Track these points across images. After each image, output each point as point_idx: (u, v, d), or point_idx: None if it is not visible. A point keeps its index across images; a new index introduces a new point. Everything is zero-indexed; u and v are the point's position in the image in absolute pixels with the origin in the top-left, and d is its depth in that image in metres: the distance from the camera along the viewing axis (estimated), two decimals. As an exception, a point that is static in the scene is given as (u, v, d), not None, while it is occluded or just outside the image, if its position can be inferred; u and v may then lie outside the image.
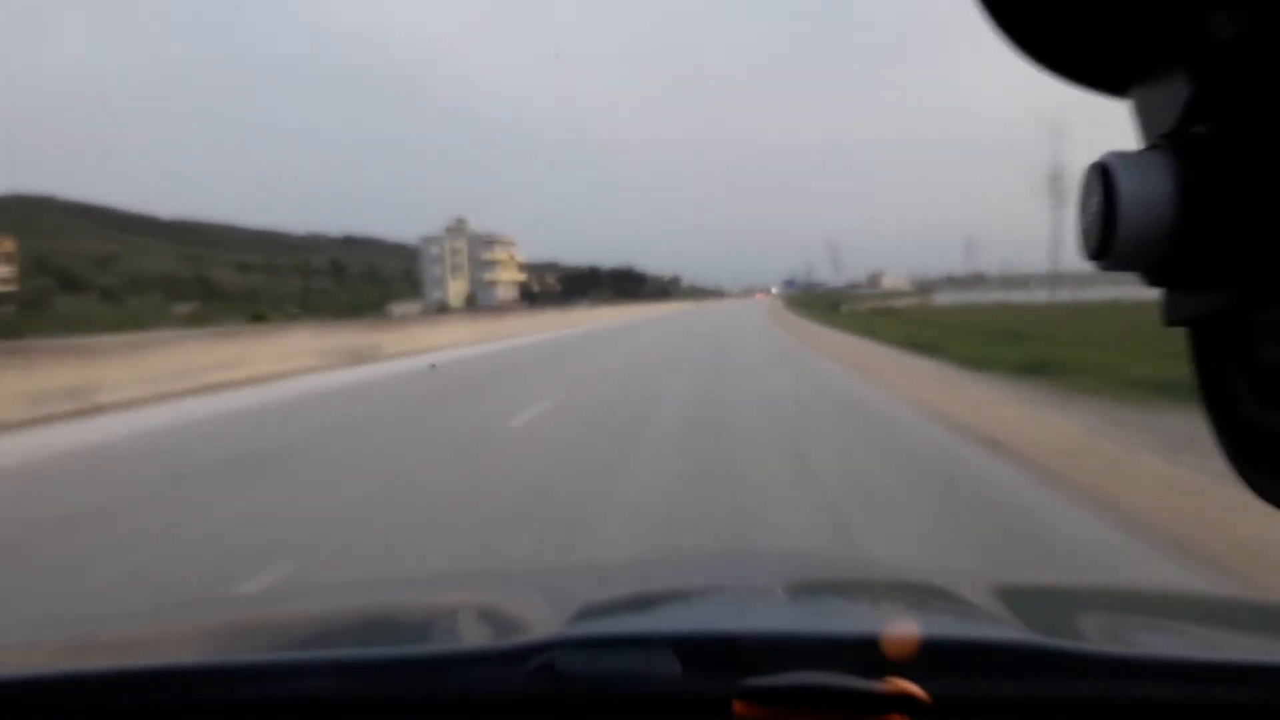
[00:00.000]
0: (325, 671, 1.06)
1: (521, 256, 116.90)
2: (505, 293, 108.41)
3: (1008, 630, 1.13)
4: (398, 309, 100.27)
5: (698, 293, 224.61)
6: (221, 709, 1.03)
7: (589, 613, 1.18)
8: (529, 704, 0.98)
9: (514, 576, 2.33)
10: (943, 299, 76.91)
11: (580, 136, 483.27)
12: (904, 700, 0.84)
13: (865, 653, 0.94)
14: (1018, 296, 74.22)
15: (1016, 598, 1.45)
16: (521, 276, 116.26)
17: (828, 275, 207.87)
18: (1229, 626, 1.50)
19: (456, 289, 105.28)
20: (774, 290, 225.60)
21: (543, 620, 1.19)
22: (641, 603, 1.39)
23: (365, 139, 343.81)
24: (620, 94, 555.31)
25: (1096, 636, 1.27)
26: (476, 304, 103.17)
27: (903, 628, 0.99)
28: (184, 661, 1.22)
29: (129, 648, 1.42)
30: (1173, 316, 0.36)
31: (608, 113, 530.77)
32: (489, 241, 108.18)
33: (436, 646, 1.26)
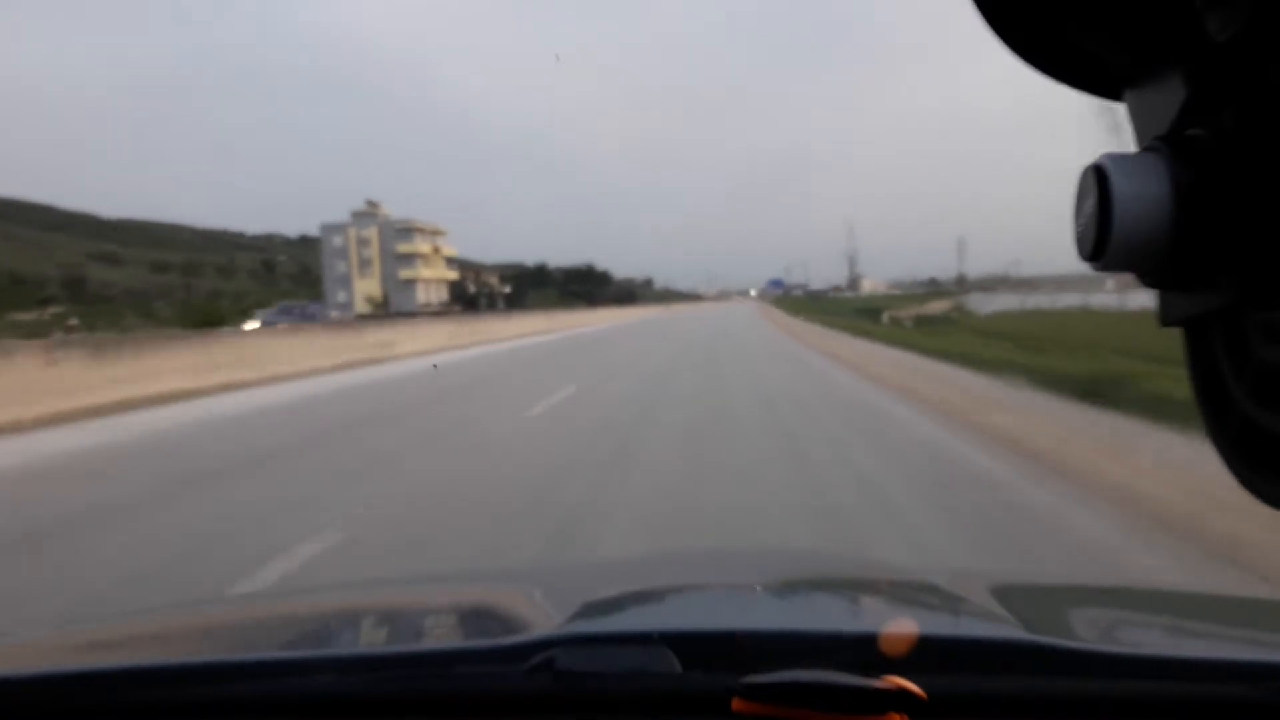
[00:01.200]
0: (327, 669, 1.07)
1: (451, 249, 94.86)
2: (431, 294, 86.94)
3: (1003, 628, 1.13)
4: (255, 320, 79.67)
5: (672, 296, 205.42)
6: (223, 706, 1.03)
7: (588, 610, 1.19)
8: (529, 701, 0.98)
9: (514, 575, 2.34)
10: (996, 305, 56.12)
11: (554, 139, 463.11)
12: (901, 697, 0.85)
13: (863, 650, 0.94)
14: (1105, 300, 54.33)
15: (1013, 596, 1.44)
16: (452, 274, 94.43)
17: (807, 279, 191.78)
18: (1224, 624, 1.49)
19: (366, 289, 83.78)
20: (753, 293, 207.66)
21: (543, 618, 1.22)
22: (640, 600, 1.39)
23: (333, 142, 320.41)
24: (597, 96, 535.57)
25: (1092, 634, 1.29)
26: (388, 307, 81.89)
27: (900, 625, 0.99)
28: (186, 659, 1.22)
29: (132, 645, 1.42)
30: (1169, 317, 0.36)
31: (585, 116, 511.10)
32: (407, 230, 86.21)
33: (437, 644, 1.26)
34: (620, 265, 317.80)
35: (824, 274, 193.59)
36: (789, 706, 0.85)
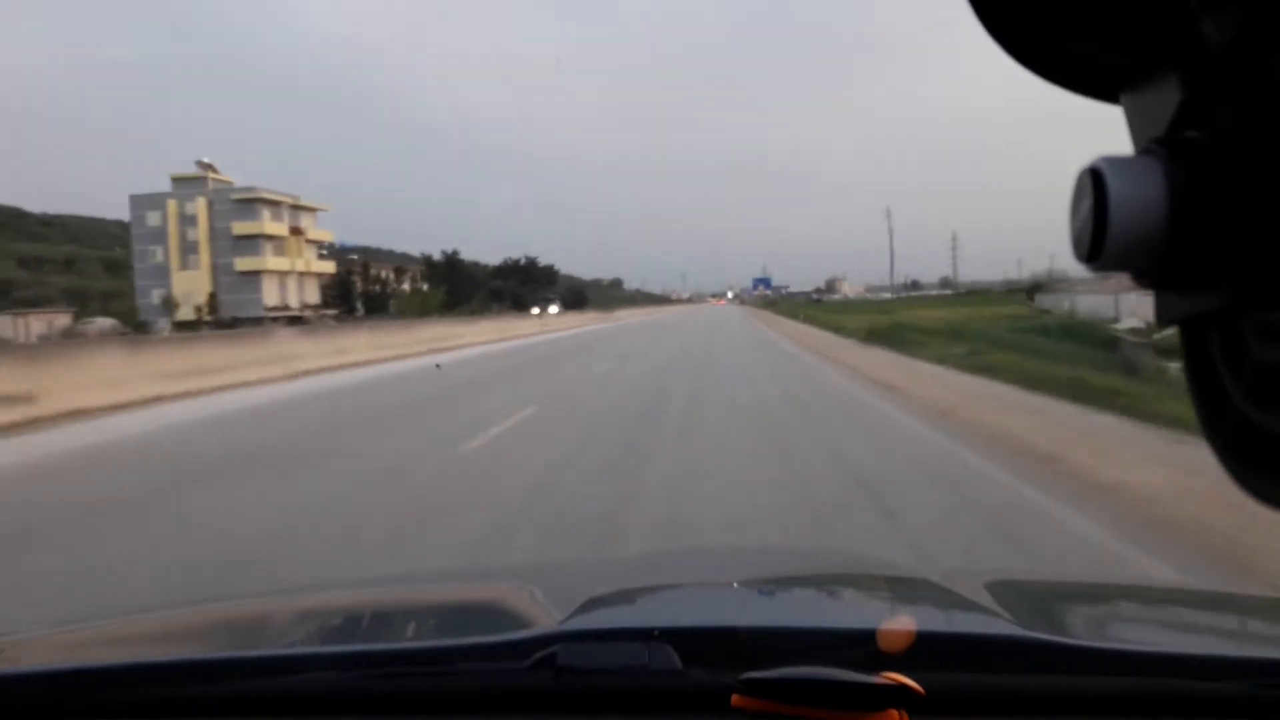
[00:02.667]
0: (330, 665, 1.07)
1: (325, 232, 68.82)
2: (290, 292, 61.97)
3: (1001, 625, 1.14)
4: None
5: (642, 298, 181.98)
6: (227, 702, 1.03)
7: (589, 607, 1.20)
8: (531, 697, 0.99)
9: (516, 572, 2.38)
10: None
11: (526, 139, 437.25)
12: (899, 693, 0.85)
13: (862, 646, 0.95)
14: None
15: (1010, 593, 1.45)
16: (326, 267, 68.63)
17: (786, 282, 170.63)
18: (1220, 621, 1.50)
19: (189, 284, 58.97)
20: (730, 295, 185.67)
21: (544, 615, 1.24)
22: (641, 597, 1.40)
23: (271, 138, 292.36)
24: (570, 99, 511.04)
25: (1088, 631, 1.32)
26: (217, 314, 56.99)
27: (898, 622, 1.01)
28: (190, 655, 1.23)
29: (136, 642, 1.43)
30: (1165, 317, 0.36)
31: (562, 116, 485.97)
32: (249, 201, 60.06)
33: (439, 640, 1.27)
34: (588, 266, 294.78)
35: (797, 277, 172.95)
36: (788, 702, 0.85)
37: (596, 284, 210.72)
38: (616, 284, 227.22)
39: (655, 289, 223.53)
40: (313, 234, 65.82)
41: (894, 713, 0.85)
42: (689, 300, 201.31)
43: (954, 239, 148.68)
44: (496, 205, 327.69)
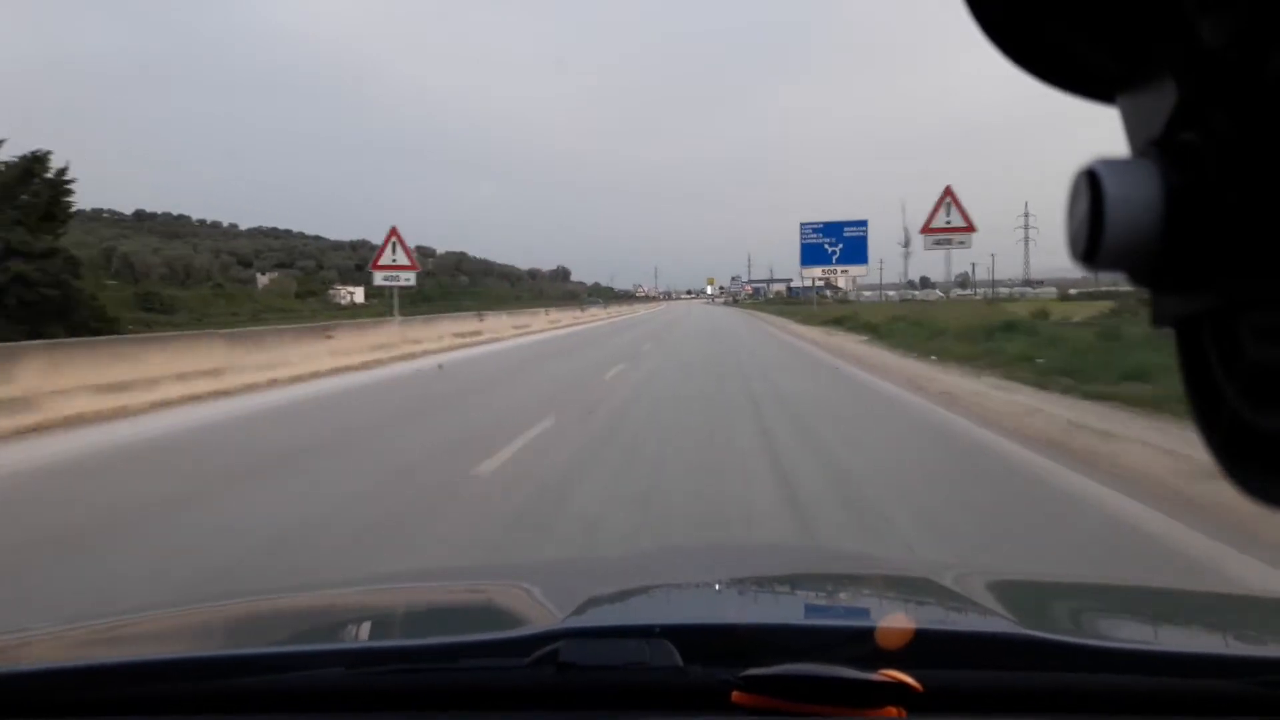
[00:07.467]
0: (333, 662, 1.08)
1: None
2: None
3: (998, 622, 1.17)
4: None
5: (602, 293, 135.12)
6: (234, 699, 1.04)
7: (591, 604, 1.21)
8: (533, 693, 1.00)
9: (519, 570, 2.36)
10: None
11: (503, 134, 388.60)
12: (898, 690, 0.86)
13: (860, 644, 0.96)
14: None
15: (1011, 592, 1.47)
16: None
17: (764, 275, 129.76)
18: (1216, 620, 1.50)
19: None
20: (709, 290, 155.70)
21: (546, 612, 1.25)
22: (642, 595, 1.42)
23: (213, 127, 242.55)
24: (547, 94, 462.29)
25: (1086, 629, 1.33)
26: None
27: (896, 620, 1.03)
28: (198, 653, 1.24)
29: (145, 640, 1.44)
30: (1160, 317, 0.36)
31: (534, 113, 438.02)
32: None
33: (442, 637, 1.26)
34: (533, 257, 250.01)
35: (780, 275, 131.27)
36: (788, 699, 0.87)
37: (534, 274, 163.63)
38: (561, 275, 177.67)
39: (624, 285, 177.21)
40: None
41: (892, 709, 0.85)
42: (656, 299, 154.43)
43: (1026, 215, 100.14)
44: (475, 204, 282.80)
